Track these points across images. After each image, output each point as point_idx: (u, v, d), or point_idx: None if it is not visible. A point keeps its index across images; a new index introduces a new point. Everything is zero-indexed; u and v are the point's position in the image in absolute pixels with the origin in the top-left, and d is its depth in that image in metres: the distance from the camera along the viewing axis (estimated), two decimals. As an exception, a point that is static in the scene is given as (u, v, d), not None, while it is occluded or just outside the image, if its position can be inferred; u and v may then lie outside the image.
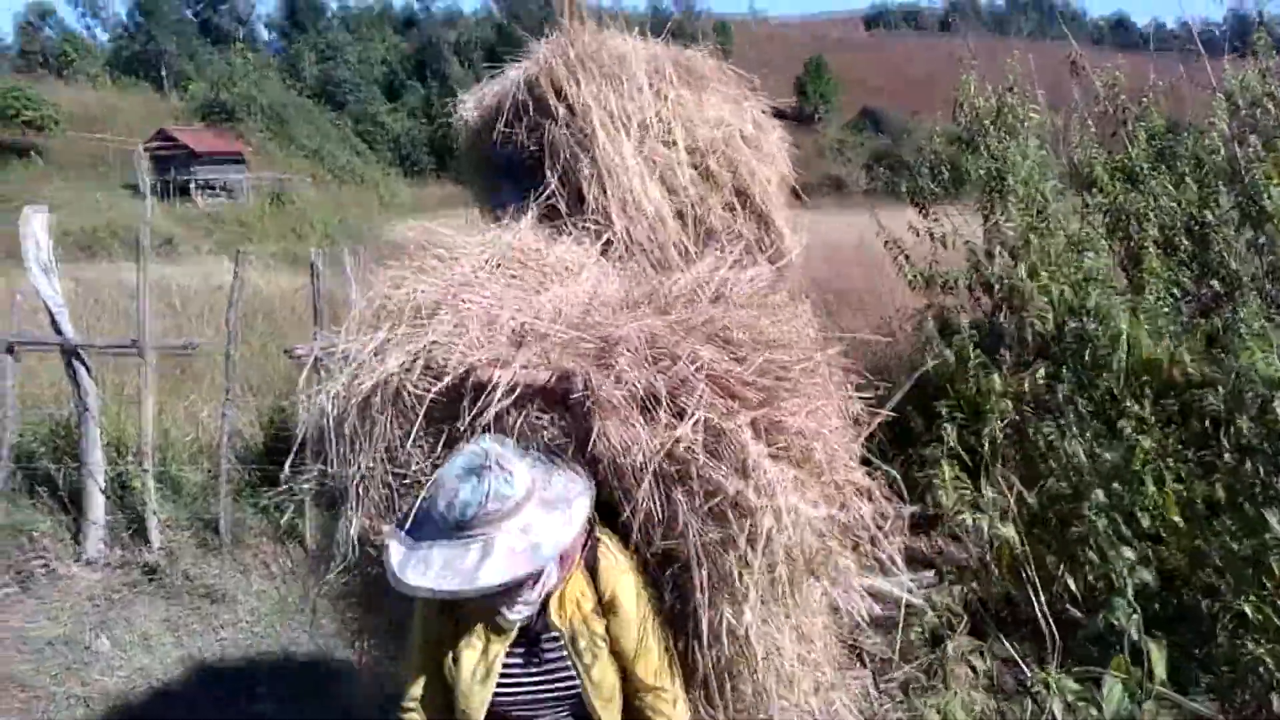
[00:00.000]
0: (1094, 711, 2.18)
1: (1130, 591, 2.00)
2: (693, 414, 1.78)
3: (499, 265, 2.26)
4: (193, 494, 6.02)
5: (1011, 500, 2.20)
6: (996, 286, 5.14)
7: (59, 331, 5.56)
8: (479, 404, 1.87)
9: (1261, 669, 2.03)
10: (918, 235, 5.98)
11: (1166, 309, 4.15)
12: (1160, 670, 1.83)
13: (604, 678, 1.79)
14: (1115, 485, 2.23)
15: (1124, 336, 2.53)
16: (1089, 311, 2.71)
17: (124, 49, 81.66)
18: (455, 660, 1.78)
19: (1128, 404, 2.72)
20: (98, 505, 5.64)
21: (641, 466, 1.80)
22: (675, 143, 2.74)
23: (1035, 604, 2.05)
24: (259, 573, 5.49)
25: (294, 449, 2.18)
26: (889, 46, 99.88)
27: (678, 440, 1.76)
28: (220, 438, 5.82)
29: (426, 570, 1.62)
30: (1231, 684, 2.11)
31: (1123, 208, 5.25)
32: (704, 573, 1.80)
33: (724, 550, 1.80)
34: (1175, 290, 4.61)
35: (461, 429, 1.90)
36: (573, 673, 1.79)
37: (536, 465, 1.76)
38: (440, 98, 72.69)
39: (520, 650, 1.79)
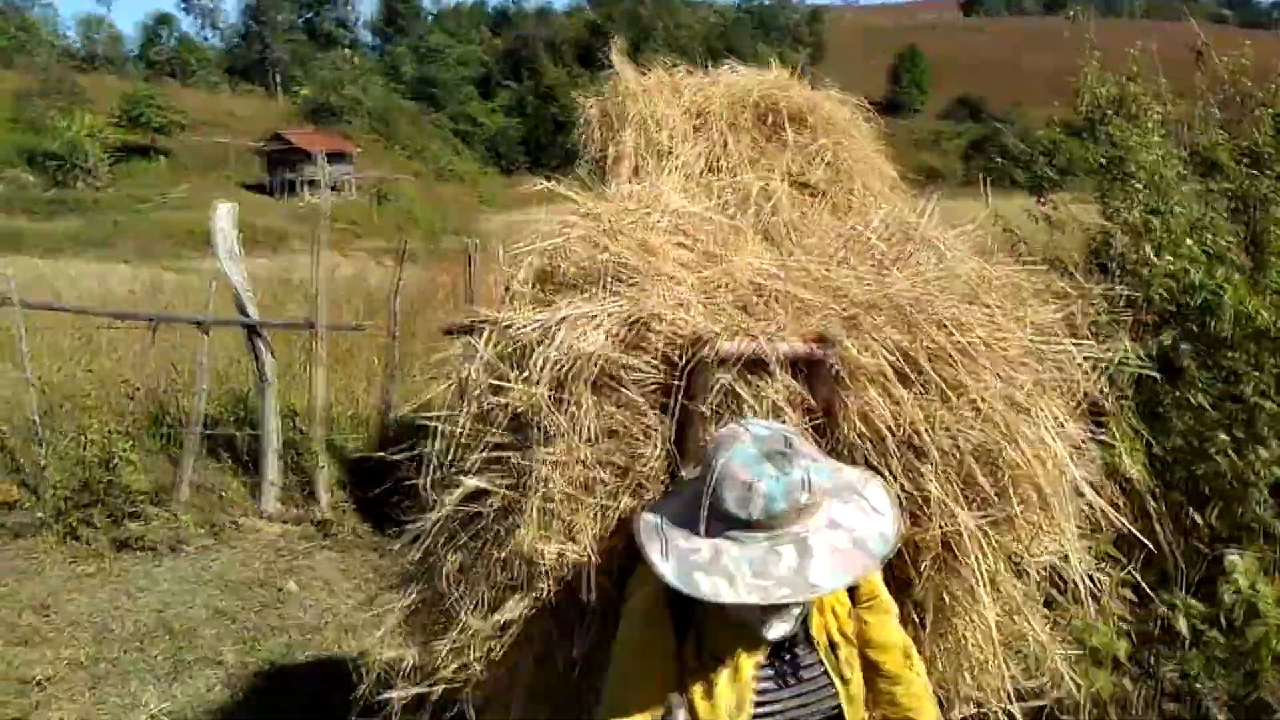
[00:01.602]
0: (1215, 633, 2.46)
1: (1264, 487, 2.28)
2: (983, 388, 1.69)
3: (666, 230, 1.95)
4: (354, 459, 6.68)
5: (1139, 445, 2.49)
6: (1116, 269, 5.32)
7: (243, 313, 6.26)
8: (706, 379, 1.66)
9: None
10: (1036, 222, 6.15)
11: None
12: (1289, 550, 2.13)
13: (859, 687, 1.62)
14: (1238, 433, 2.51)
15: (1239, 307, 2.79)
16: (1209, 287, 2.96)
17: (238, 55, 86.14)
18: (706, 693, 1.52)
19: (1251, 371, 2.96)
20: (274, 467, 6.33)
21: (917, 445, 1.67)
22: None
23: (1162, 534, 2.33)
24: (416, 531, 6.08)
25: (429, 459, 1.87)
26: (988, 31, 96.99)
27: (976, 415, 1.67)
28: (385, 407, 6.46)
29: (735, 579, 1.36)
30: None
31: (1247, 192, 5.35)
32: (977, 554, 1.71)
33: (1007, 529, 1.73)
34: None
35: (693, 411, 1.69)
36: (831, 686, 1.59)
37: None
38: (535, 96, 75.30)
39: (772, 668, 1.57)
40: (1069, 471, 1.80)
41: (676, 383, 1.68)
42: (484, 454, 1.79)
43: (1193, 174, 5.63)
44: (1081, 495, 1.86)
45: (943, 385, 1.71)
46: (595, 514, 1.72)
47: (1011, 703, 1.96)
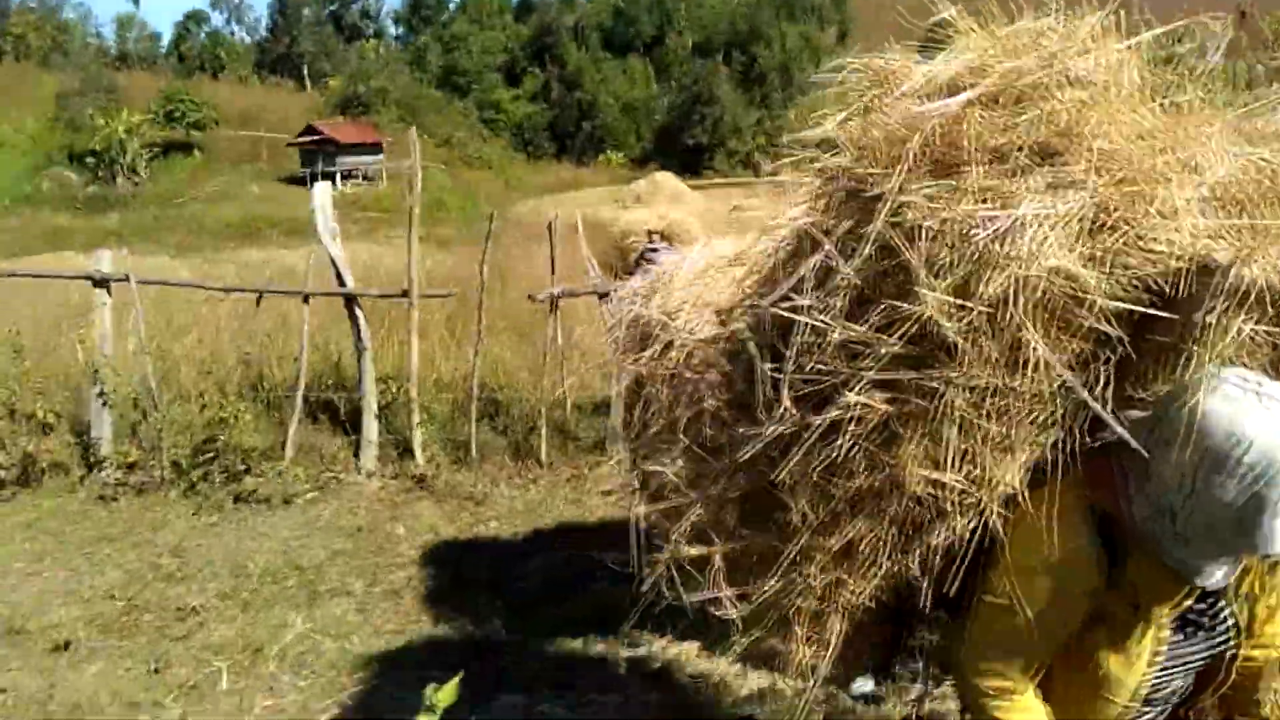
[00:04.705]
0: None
1: None
2: None
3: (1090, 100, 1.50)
4: (444, 419, 7.16)
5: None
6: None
7: (342, 283, 6.72)
8: (1191, 313, 1.34)
9: None
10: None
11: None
12: None
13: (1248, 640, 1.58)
14: None
15: None
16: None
17: (266, 49, 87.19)
18: (1119, 644, 1.50)
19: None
20: (372, 427, 6.81)
21: None
22: None
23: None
24: (505, 483, 6.56)
25: (791, 358, 1.60)
26: None
27: None
28: (472, 371, 6.92)
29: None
30: None
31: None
32: None
33: None
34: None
35: (1160, 348, 1.41)
36: (1235, 638, 1.55)
37: None
38: (560, 82, 75.72)
39: (1183, 619, 1.52)
40: None
41: (1155, 314, 1.37)
42: (876, 370, 1.49)
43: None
44: None
45: None
46: (994, 446, 1.48)
47: None
